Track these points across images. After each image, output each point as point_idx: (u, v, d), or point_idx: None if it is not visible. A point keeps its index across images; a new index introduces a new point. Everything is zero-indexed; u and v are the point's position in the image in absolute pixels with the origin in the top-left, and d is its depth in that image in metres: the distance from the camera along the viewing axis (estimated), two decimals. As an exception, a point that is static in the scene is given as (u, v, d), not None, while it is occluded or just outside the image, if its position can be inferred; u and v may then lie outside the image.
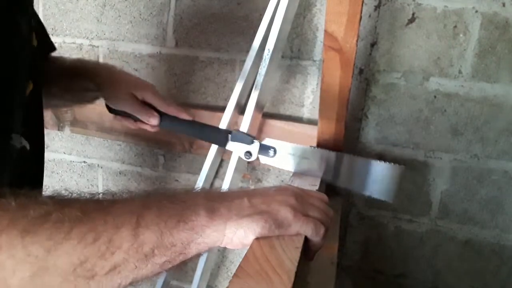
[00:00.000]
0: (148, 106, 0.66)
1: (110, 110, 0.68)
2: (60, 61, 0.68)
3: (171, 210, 0.35)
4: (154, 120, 0.66)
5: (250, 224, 0.36)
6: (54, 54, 0.68)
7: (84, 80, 0.65)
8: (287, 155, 0.65)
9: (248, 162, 0.82)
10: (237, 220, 0.36)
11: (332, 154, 0.63)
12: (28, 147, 0.48)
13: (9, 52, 0.40)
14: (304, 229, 0.39)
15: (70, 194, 0.34)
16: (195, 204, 0.36)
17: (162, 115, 0.67)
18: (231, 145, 0.66)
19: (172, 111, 0.67)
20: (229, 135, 0.66)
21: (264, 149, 0.65)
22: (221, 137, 0.67)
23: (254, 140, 0.65)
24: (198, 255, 0.36)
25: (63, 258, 0.30)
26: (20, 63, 0.43)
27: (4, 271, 0.29)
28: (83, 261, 0.31)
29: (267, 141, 0.65)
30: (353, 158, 0.63)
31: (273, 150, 0.65)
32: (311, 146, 0.66)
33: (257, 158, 0.66)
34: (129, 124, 0.69)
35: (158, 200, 0.36)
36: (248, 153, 0.65)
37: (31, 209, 0.31)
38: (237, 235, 0.36)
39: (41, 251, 0.30)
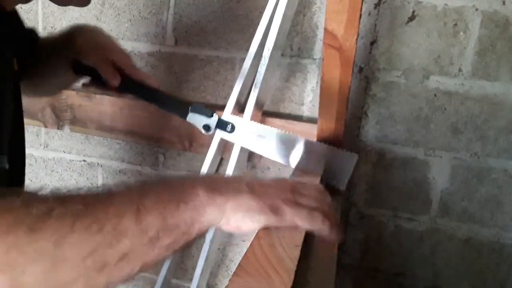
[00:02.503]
0: (118, 70, 0.65)
1: (76, 69, 0.66)
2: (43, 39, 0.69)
3: (170, 193, 0.36)
4: (115, 80, 0.64)
5: (248, 211, 0.37)
6: None
7: (64, 38, 0.65)
8: (245, 132, 0.66)
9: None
10: (237, 202, 0.37)
11: (289, 137, 0.64)
12: (7, 167, 0.49)
13: (3, 90, 0.41)
14: (298, 217, 0.39)
15: (68, 191, 0.35)
16: (193, 186, 0.37)
17: (128, 80, 0.65)
18: (191, 117, 0.67)
19: (138, 75, 0.66)
20: (190, 107, 0.67)
21: (222, 123, 0.66)
22: (182, 108, 0.67)
23: (214, 114, 0.66)
24: (200, 236, 0.37)
25: (71, 251, 0.31)
26: (5, 88, 0.44)
27: (15, 270, 0.30)
28: (91, 252, 0.31)
29: (226, 116, 0.66)
30: (310, 142, 0.63)
31: (230, 125, 0.66)
32: (272, 128, 0.66)
33: (215, 132, 0.67)
34: (94, 89, 0.69)
35: (155, 187, 0.37)
36: (206, 126, 0.66)
37: (34, 207, 0.31)
38: (236, 217, 0.37)
39: (49, 246, 0.30)
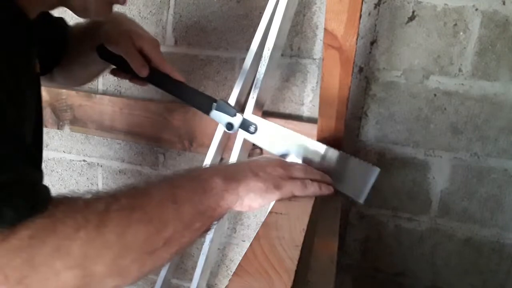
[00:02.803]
0: (145, 59, 0.64)
1: (102, 54, 0.65)
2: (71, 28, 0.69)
3: (195, 184, 0.43)
4: (144, 71, 0.63)
5: (257, 192, 0.45)
6: None
7: (93, 26, 0.65)
8: (268, 135, 0.65)
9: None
10: (247, 185, 0.45)
11: (309, 142, 0.62)
12: None
13: (23, 91, 0.45)
14: (295, 189, 0.49)
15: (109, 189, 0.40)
16: (211, 176, 0.44)
17: (153, 70, 0.64)
18: (214, 114, 0.66)
19: (165, 67, 0.65)
20: (214, 104, 0.65)
21: (246, 124, 0.65)
22: (206, 104, 0.66)
23: (238, 113, 0.65)
24: (219, 218, 0.44)
25: (131, 240, 0.36)
26: (27, 92, 0.46)
27: (87, 263, 0.34)
28: (145, 240, 0.37)
29: (250, 117, 0.65)
30: (331, 150, 0.61)
31: (254, 126, 0.65)
32: (294, 132, 0.64)
33: (238, 132, 0.66)
34: (120, 77, 0.68)
35: (182, 180, 0.44)
36: (230, 125, 0.65)
37: (95, 205, 0.36)
38: (248, 198, 0.45)
39: (114, 238, 0.35)
